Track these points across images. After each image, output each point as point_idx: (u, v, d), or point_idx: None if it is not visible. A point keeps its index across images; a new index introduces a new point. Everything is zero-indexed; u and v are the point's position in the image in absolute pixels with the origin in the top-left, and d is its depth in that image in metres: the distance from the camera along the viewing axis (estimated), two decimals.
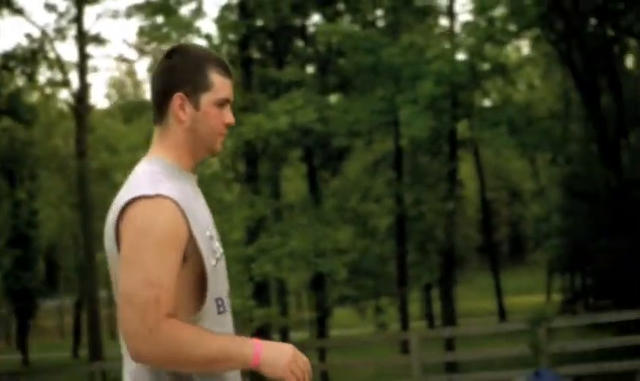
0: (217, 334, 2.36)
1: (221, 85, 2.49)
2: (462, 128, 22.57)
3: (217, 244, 2.48)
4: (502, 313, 34.22)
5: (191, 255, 2.37)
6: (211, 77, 2.48)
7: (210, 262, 2.39)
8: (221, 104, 2.49)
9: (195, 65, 2.49)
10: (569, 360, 14.35)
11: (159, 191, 2.34)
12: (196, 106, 2.47)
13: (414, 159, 23.99)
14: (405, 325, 23.26)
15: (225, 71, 2.52)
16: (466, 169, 35.77)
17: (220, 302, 2.47)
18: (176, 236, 2.33)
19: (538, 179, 34.33)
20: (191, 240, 2.36)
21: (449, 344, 20.64)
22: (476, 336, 21.69)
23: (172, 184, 2.39)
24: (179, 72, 2.48)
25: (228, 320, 2.50)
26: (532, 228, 36.74)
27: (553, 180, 27.78)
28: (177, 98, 2.47)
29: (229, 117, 2.52)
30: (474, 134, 20.54)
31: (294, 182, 27.69)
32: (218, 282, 2.46)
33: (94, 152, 26.61)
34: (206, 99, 2.47)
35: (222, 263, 2.49)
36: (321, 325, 21.36)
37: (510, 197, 43.45)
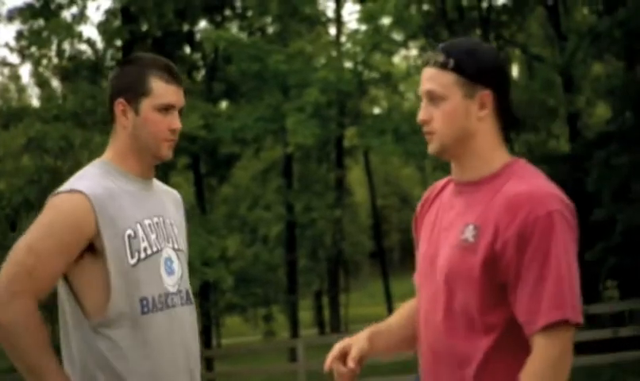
0: (54, 362, 2.42)
1: (161, 90, 2.56)
2: (350, 135, 22.72)
3: (144, 244, 2.51)
4: None
5: (103, 251, 2.46)
6: (151, 83, 2.56)
7: (123, 261, 2.46)
8: (163, 109, 2.56)
9: (137, 72, 2.58)
10: None
11: (73, 187, 2.49)
12: (137, 112, 2.57)
13: (304, 166, 24.02)
14: (295, 332, 23.24)
15: (169, 77, 2.59)
16: (357, 175, 36.07)
17: (145, 302, 2.49)
18: (75, 227, 2.45)
19: (427, 186, 34.81)
20: (100, 236, 2.46)
21: None
22: None
23: (98, 182, 2.51)
24: (121, 79, 2.60)
25: (159, 320, 2.51)
26: None
27: None
28: (119, 105, 2.59)
29: (174, 122, 2.58)
30: (362, 142, 20.68)
31: (183, 190, 27.37)
32: (142, 282, 2.49)
33: None
34: (145, 105, 2.56)
35: (153, 263, 2.52)
36: (207, 335, 21.10)
37: (400, 203, 43.98)
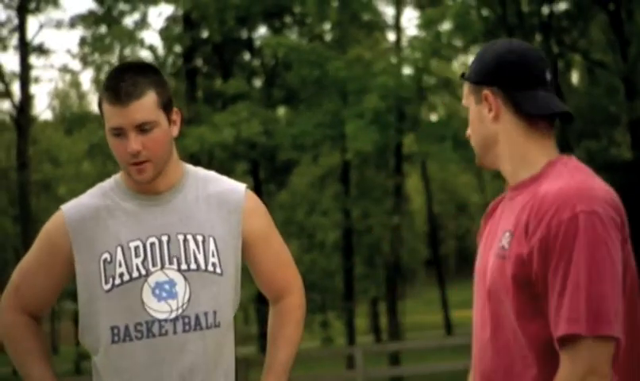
0: (40, 368, 2.45)
1: (108, 114, 2.38)
2: (409, 142, 22.63)
3: (120, 270, 2.38)
4: (448, 327, 34.34)
5: (77, 275, 2.42)
6: (103, 106, 2.40)
7: (96, 286, 2.37)
8: (115, 134, 2.37)
9: (99, 94, 2.46)
10: None
11: (62, 206, 2.48)
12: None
13: (361, 172, 23.98)
14: (351, 339, 23.19)
15: (113, 96, 2.37)
16: (413, 183, 35.94)
17: (116, 331, 2.38)
18: (50, 247, 2.44)
19: (484, 193, 34.58)
20: (74, 259, 2.40)
21: (395, 359, 20.60)
22: (421, 350, 21.69)
23: (88, 201, 2.44)
24: None
25: (135, 349, 2.38)
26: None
27: (499, 194, 27.94)
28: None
29: (128, 145, 2.35)
30: (420, 148, 20.58)
31: None
32: (115, 309, 2.37)
33: (35, 163, 26.18)
34: (106, 129, 2.42)
35: (131, 289, 2.37)
36: (265, 341, 21.17)
37: (457, 210, 43.73)
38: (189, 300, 2.40)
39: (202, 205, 2.49)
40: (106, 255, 2.39)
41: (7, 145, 31.57)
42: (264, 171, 22.12)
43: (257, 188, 21.36)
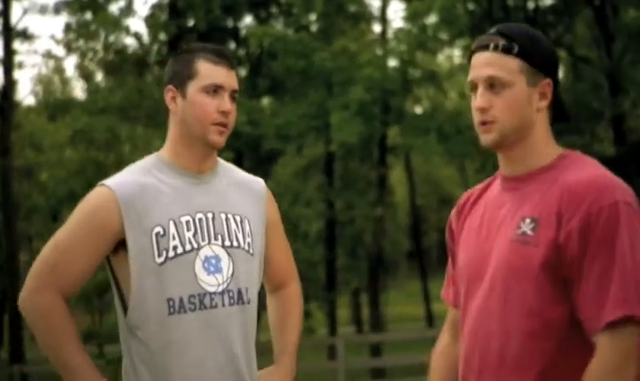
0: (80, 355, 2.43)
1: (207, 71, 2.49)
2: (393, 134, 22.65)
3: (174, 243, 2.44)
4: (429, 319, 34.45)
5: (128, 249, 2.43)
6: (197, 65, 2.49)
7: (149, 259, 2.41)
8: (210, 90, 2.48)
9: (184, 57, 2.54)
10: None
11: (104, 182, 2.47)
12: (184, 96, 2.50)
13: (345, 164, 24.00)
14: (333, 330, 23.23)
15: (217, 58, 2.51)
16: (397, 175, 35.96)
17: (171, 303, 2.43)
18: (98, 223, 2.41)
19: (467, 186, 34.64)
20: (125, 233, 2.41)
21: (376, 350, 20.67)
22: (403, 342, 21.76)
23: (133, 177, 2.47)
24: (171, 67, 2.56)
25: (189, 320, 2.44)
26: None
27: None
28: (168, 91, 2.55)
29: (222, 104, 2.49)
30: (404, 140, 20.62)
31: None
32: (169, 281, 2.43)
33: (18, 149, 26.00)
34: (192, 88, 2.49)
35: (185, 262, 2.44)
36: None
37: (439, 203, 43.78)
38: (232, 275, 2.50)
39: (233, 189, 2.60)
40: (159, 229, 2.44)
41: None
42: (248, 161, 22.09)
43: None
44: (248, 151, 21.16)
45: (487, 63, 2.12)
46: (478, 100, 2.13)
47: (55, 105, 22.66)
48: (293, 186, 23.06)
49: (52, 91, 37.48)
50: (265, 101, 21.77)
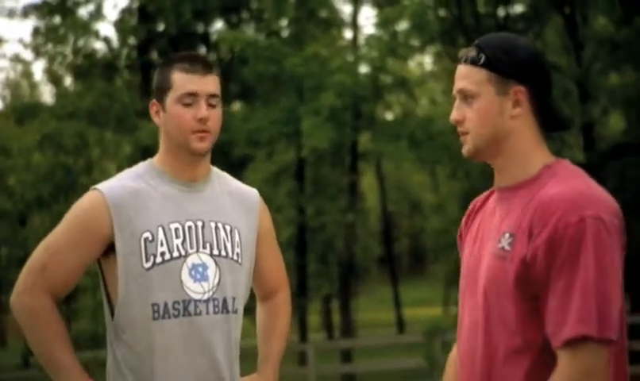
0: (68, 355, 2.43)
1: (181, 81, 2.52)
2: (364, 140, 22.67)
3: (162, 249, 2.47)
4: (400, 325, 34.50)
5: (117, 252, 2.47)
6: (172, 76, 2.54)
7: (137, 264, 2.44)
8: (185, 100, 2.51)
9: (162, 70, 2.60)
10: None
11: (96, 186, 2.53)
12: (164, 109, 2.57)
13: (316, 170, 23.97)
14: (304, 336, 23.17)
15: (190, 66, 2.54)
16: (368, 181, 36.01)
17: (156, 308, 2.45)
18: (88, 225, 2.47)
19: (438, 193, 34.76)
20: (115, 236, 2.45)
21: (347, 356, 20.63)
22: (374, 348, 21.75)
23: (125, 182, 2.52)
24: (153, 82, 2.62)
25: (173, 327, 2.47)
26: (431, 240, 37.21)
27: (453, 194, 28.13)
28: (152, 106, 2.62)
29: (198, 112, 2.51)
30: (375, 147, 20.63)
31: None
32: (155, 287, 2.45)
33: None
34: (169, 100, 2.54)
35: (172, 268, 2.48)
36: None
37: (410, 209, 43.90)
38: (218, 284, 2.53)
39: (226, 198, 2.65)
40: (147, 234, 2.48)
41: None
42: (219, 166, 21.83)
43: None
44: (218, 156, 21.01)
45: (460, 75, 2.16)
46: (453, 112, 2.18)
47: (23, 109, 22.43)
48: (264, 192, 22.71)
49: (20, 95, 37.17)
50: (236, 106, 21.71)
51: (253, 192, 2.75)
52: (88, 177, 18.03)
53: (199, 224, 2.55)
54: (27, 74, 38.62)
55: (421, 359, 12.45)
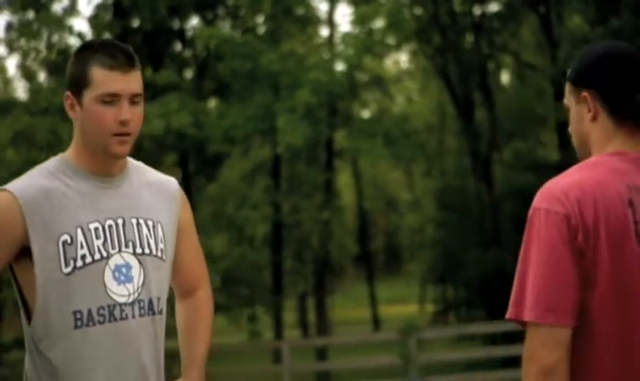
0: None
1: (101, 79, 2.32)
2: (340, 137, 22.68)
3: (82, 251, 2.31)
4: (376, 323, 34.54)
5: (33, 258, 2.31)
6: (91, 72, 2.33)
7: (56, 269, 2.29)
8: (105, 100, 2.32)
9: (79, 61, 2.38)
10: (439, 371, 14.52)
11: (5, 186, 2.34)
12: (81, 105, 2.36)
13: (292, 167, 23.94)
14: (279, 333, 23.12)
15: (112, 62, 2.33)
16: (344, 178, 36.02)
17: (79, 316, 2.31)
18: (3, 230, 2.30)
19: (414, 191, 34.84)
20: (29, 240, 2.30)
21: (322, 354, 20.63)
22: (348, 346, 21.76)
23: (39, 181, 2.33)
24: (69, 70, 2.41)
25: (98, 334, 2.32)
26: (407, 238, 37.29)
27: (428, 192, 28.22)
28: (66, 98, 2.42)
29: (120, 113, 2.33)
30: (351, 144, 20.64)
31: None
32: (77, 293, 2.31)
33: None
34: (87, 97, 2.35)
35: (94, 272, 2.32)
36: None
37: (386, 207, 43.97)
38: (143, 284, 2.40)
39: (145, 192, 2.49)
40: (66, 237, 2.32)
41: None
42: (194, 164, 21.91)
43: (186, 180, 21.14)
44: (193, 153, 20.99)
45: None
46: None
47: None
48: (239, 189, 22.94)
49: None
50: (211, 103, 21.62)
51: (173, 182, 2.59)
52: None
53: (120, 221, 2.40)
54: (0, 69, 38.27)
55: (395, 357, 12.45)
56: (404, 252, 43.74)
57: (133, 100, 2.36)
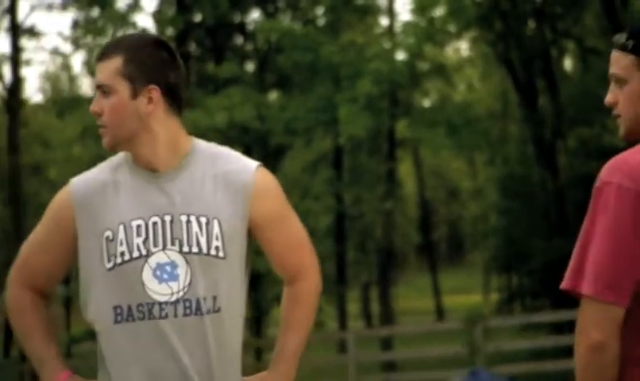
0: (44, 347, 2.42)
1: None
2: (401, 127, 22.62)
3: (121, 248, 2.31)
4: (439, 313, 34.43)
5: (80, 251, 2.37)
6: None
7: (99, 264, 2.32)
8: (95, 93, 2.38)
9: None
10: (505, 360, 14.43)
11: (72, 179, 2.41)
12: None
13: (354, 157, 23.97)
14: (343, 324, 23.23)
15: (99, 55, 2.37)
16: (406, 168, 35.93)
17: (119, 311, 2.32)
18: (55, 221, 2.39)
19: (476, 179, 34.59)
20: (77, 234, 2.36)
21: (386, 344, 20.65)
22: (413, 336, 21.74)
23: (97, 175, 2.40)
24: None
25: (136, 330, 2.31)
26: (470, 227, 37.05)
27: (491, 180, 28.00)
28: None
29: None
30: (413, 134, 20.58)
31: None
32: (117, 289, 2.32)
33: (26, 146, 26.04)
34: None
35: (133, 269, 2.31)
36: (257, 325, 21.22)
37: (448, 196, 43.74)
38: (190, 283, 2.32)
39: (208, 184, 2.38)
40: (108, 233, 2.33)
41: None
42: (257, 156, 21.98)
43: None
44: (256, 146, 21.15)
45: (612, 60, 2.23)
46: (607, 95, 2.25)
47: (62, 102, 22.67)
48: (301, 180, 23.04)
49: (60, 88, 37.46)
50: (273, 95, 21.73)
51: (246, 173, 2.41)
52: None
53: (167, 218, 2.33)
54: (66, 66, 38.92)
55: (460, 347, 12.41)
56: (466, 240, 43.49)
57: (102, 90, 2.34)
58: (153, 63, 2.36)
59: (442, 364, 14.97)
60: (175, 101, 2.41)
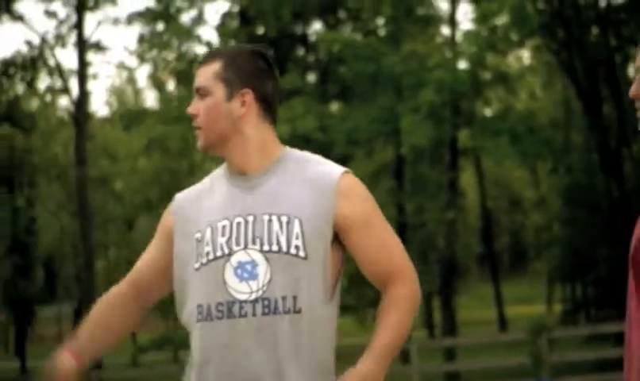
0: (86, 329, 2.56)
1: None
2: (464, 137, 22.52)
3: (207, 248, 2.39)
4: (502, 323, 34.08)
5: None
6: None
7: (189, 265, 2.42)
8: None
9: None
10: (570, 371, 14.28)
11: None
12: None
13: (416, 167, 23.91)
14: None
15: (200, 61, 2.50)
16: (467, 177, 35.71)
17: (200, 310, 2.39)
18: (161, 227, 2.56)
19: (539, 188, 34.23)
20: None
21: (450, 354, 20.54)
22: (476, 346, 21.58)
23: (197, 186, 2.55)
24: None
25: (217, 328, 2.35)
26: (533, 237, 36.65)
27: (554, 189, 27.71)
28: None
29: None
30: (475, 143, 20.47)
31: None
32: (202, 288, 2.40)
33: (93, 159, 26.54)
34: None
35: (215, 268, 2.36)
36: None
37: (511, 206, 43.32)
38: (269, 282, 2.33)
39: (295, 186, 2.40)
40: (198, 235, 2.42)
41: (65, 141, 32.05)
42: None
43: None
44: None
45: None
46: None
47: (128, 115, 23.05)
48: None
49: (125, 102, 38.05)
50: (334, 106, 21.82)
51: (332, 175, 2.42)
52: (191, 179, 18.47)
53: (250, 218, 2.37)
54: (131, 80, 39.53)
55: (524, 357, 12.32)
56: (529, 250, 43.00)
57: (199, 93, 2.45)
58: (250, 70, 2.45)
59: (507, 375, 14.88)
60: (270, 108, 2.49)
